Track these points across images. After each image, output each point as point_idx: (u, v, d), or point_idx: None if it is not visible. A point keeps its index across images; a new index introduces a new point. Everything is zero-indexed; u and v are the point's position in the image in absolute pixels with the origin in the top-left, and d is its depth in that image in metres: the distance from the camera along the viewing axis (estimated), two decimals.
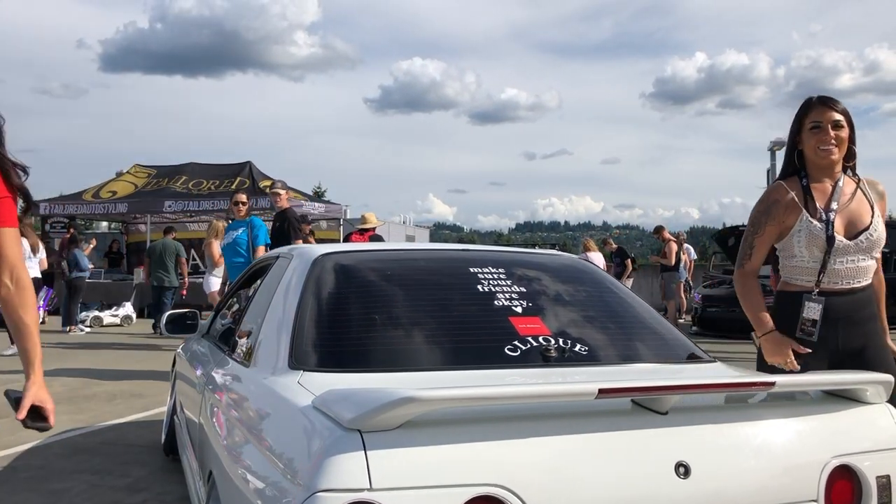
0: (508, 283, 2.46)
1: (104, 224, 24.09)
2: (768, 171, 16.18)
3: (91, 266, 12.53)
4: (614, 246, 14.50)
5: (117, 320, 12.92)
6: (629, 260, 13.96)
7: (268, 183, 14.19)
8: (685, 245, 14.19)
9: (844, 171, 2.65)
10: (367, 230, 9.44)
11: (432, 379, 1.98)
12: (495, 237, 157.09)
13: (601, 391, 1.54)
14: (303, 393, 1.80)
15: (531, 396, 1.59)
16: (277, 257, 2.96)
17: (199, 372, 3.11)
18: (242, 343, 2.62)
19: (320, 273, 2.41)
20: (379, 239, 9.67)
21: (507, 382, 1.94)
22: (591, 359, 2.21)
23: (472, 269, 2.52)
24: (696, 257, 16.01)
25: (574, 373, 2.13)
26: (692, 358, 2.40)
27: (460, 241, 79.40)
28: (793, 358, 2.52)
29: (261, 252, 6.98)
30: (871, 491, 1.78)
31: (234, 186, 14.24)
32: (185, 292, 11.99)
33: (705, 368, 2.33)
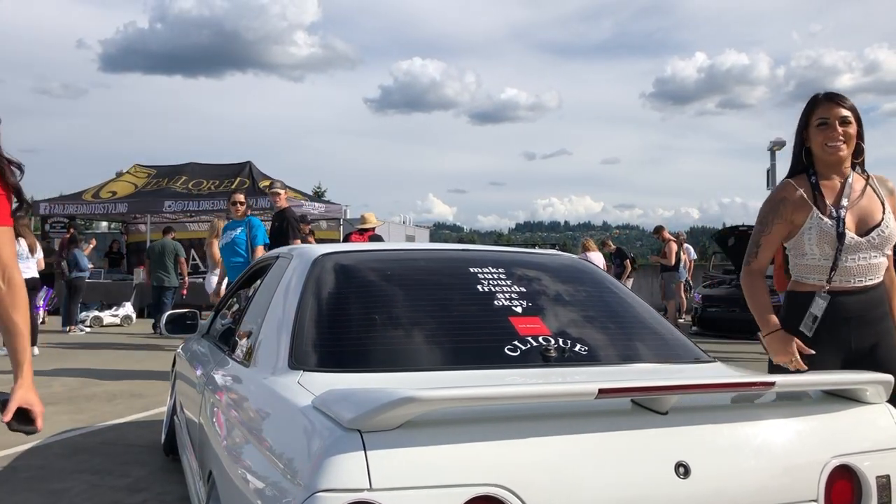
0: (508, 283, 2.46)
1: (104, 224, 24.08)
2: (768, 171, 16.20)
3: (91, 266, 12.53)
4: (613, 247, 14.50)
5: (117, 320, 12.93)
6: (628, 260, 13.96)
7: (267, 183, 14.19)
8: (685, 245, 14.19)
9: (853, 167, 2.63)
10: (366, 230, 9.45)
11: (432, 379, 1.98)
12: (495, 237, 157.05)
13: (601, 391, 1.54)
14: (303, 393, 1.80)
15: (531, 396, 1.59)
16: (277, 257, 2.96)
17: (199, 372, 3.11)
18: (242, 343, 2.61)
19: (320, 273, 2.41)
20: (379, 239, 9.68)
21: (507, 382, 1.94)
22: (590, 359, 2.21)
23: (472, 269, 2.52)
24: (696, 257, 16.01)
25: (574, 373, 2.13)
26: (692, 358, 2.40)
27: (460, 241, 79.37)
28: (798, 357, 2.50)
29: (260, 252, 6.97)
30: (871, 491, 1.78)
31: (234, 186, 14.23)
32: (185, 292, 12.00)
33: (705, 368, 2.33)
